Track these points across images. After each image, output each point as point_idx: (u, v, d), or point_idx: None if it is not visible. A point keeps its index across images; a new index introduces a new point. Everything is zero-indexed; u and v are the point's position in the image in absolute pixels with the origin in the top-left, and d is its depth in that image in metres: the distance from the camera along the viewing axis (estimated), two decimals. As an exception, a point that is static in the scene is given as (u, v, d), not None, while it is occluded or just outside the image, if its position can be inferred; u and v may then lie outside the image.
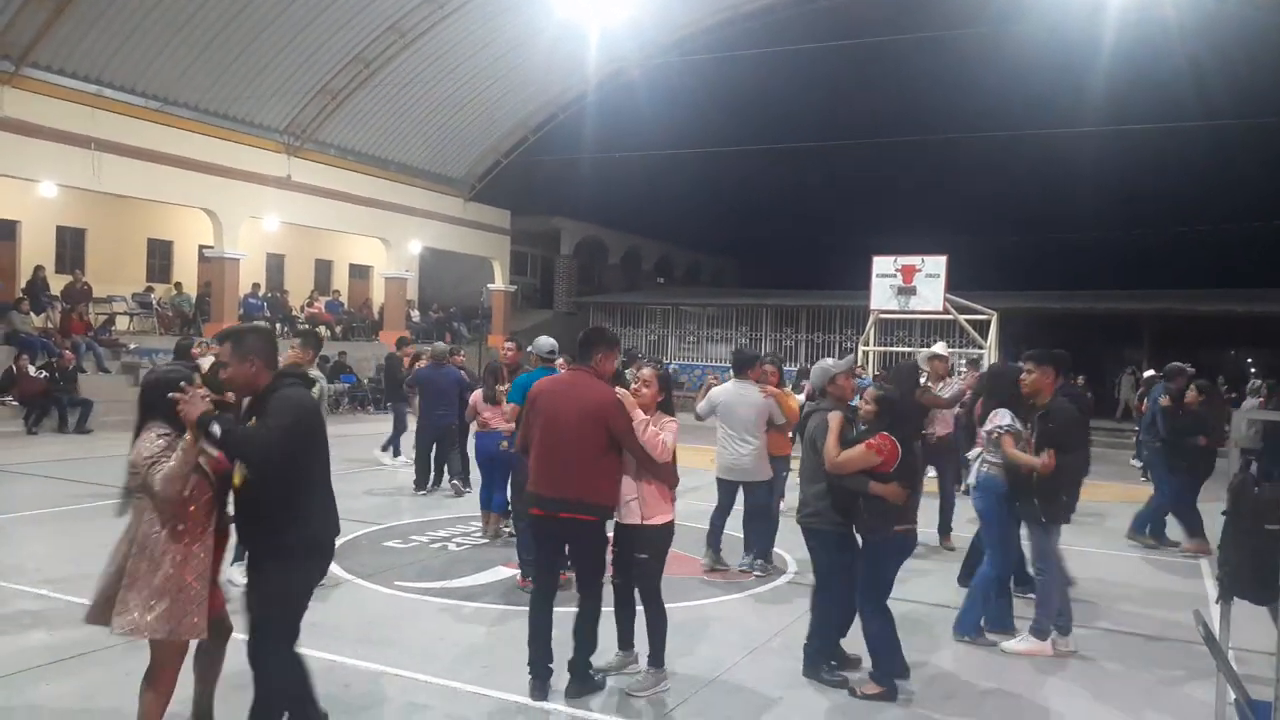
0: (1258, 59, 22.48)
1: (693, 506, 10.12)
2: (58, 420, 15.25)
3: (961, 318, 19.28)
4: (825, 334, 27.60)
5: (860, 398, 5.45)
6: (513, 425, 7.98)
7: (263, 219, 21.69)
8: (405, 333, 19.58)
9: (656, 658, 4.96)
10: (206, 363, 6.88)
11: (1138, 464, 13.97)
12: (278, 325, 22.04)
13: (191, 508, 3.60)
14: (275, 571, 3.62)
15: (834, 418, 5.19)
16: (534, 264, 35.39)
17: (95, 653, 5.22)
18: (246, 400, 3.79)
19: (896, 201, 37.50)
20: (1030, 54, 23.99)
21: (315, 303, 24.60)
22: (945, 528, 8.94)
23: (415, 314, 26.83)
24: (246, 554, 3.81)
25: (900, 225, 30.07)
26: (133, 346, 18.49)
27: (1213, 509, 9.77)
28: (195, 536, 3.62)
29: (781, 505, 8.30)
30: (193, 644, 3.81)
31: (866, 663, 5.17)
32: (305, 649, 3.96)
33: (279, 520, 3.56)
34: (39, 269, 18.41)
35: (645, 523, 4.85)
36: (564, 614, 5.03)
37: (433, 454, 10.91)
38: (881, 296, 19.26)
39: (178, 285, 21.73)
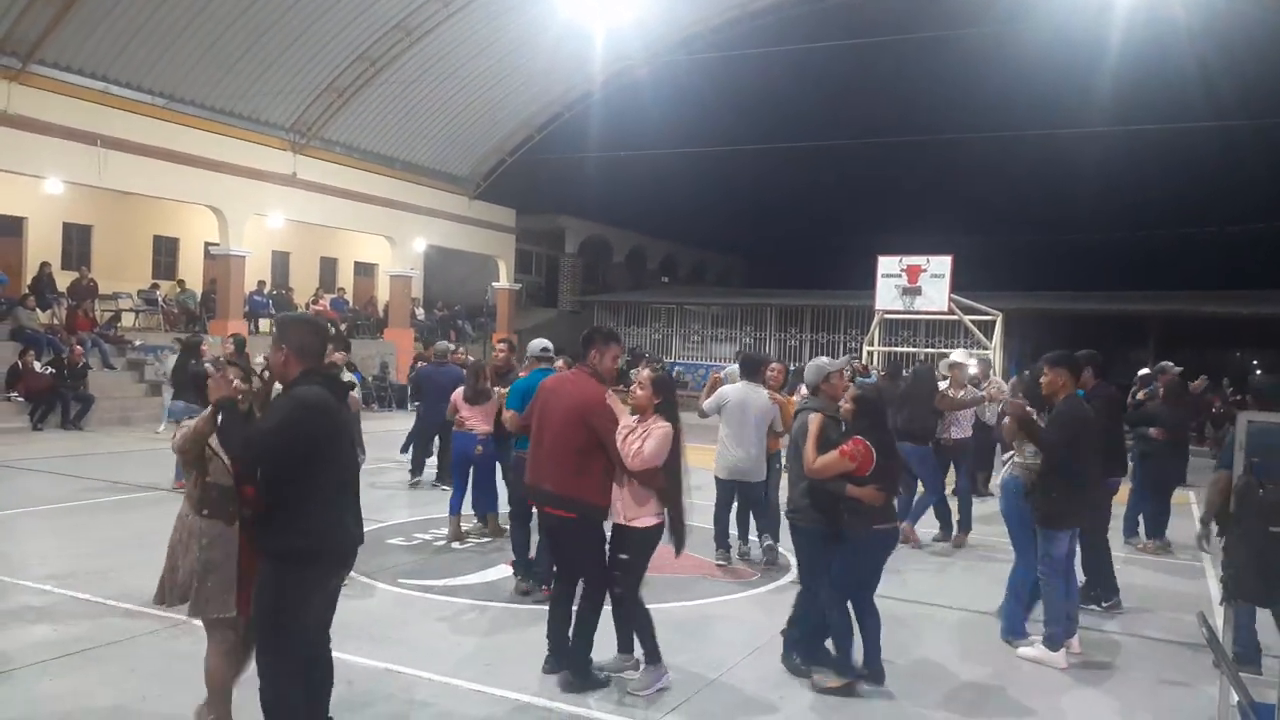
0: (1266, 59, 22.41)
1: (696, 507, 10.12)
2: (61, 416, 15.31)
3: (966, 318, 19.25)
4: (830, 334, 27.58)
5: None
6: (489, 428, 8.00)
7: (268, 216, 21.71)
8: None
9: (650, 655, 4.96)
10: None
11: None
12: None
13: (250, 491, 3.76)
14: (269, 574, 3.53)
15: (814, 420, 5.22)
16: (539, 262, 35.40)
17: (98, 648, 5.24)
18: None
19: (902, 201, 37.46)
20: (1037, 54, 23.93)
21: (320, 300, 24.63)
22: (965, 525, 9.06)
23: (420, 312, 26.85)
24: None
25: (905, 225, 30.05)
26: (138, 343, 18.53)
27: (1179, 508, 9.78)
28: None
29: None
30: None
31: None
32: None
33: (277, 522, 3.49)
34: (45, 265, 18.45)
35: (627, 524, 4.87)
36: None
37: (435, 448, 11.05)
38: (886, 296, 19.27)
39: (180, 283, 21.78)
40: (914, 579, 7.61)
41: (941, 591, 7.26)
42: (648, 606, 5.02)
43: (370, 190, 23.37)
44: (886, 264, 19.34)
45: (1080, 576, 6.43)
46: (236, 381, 3.70)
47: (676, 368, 21.28)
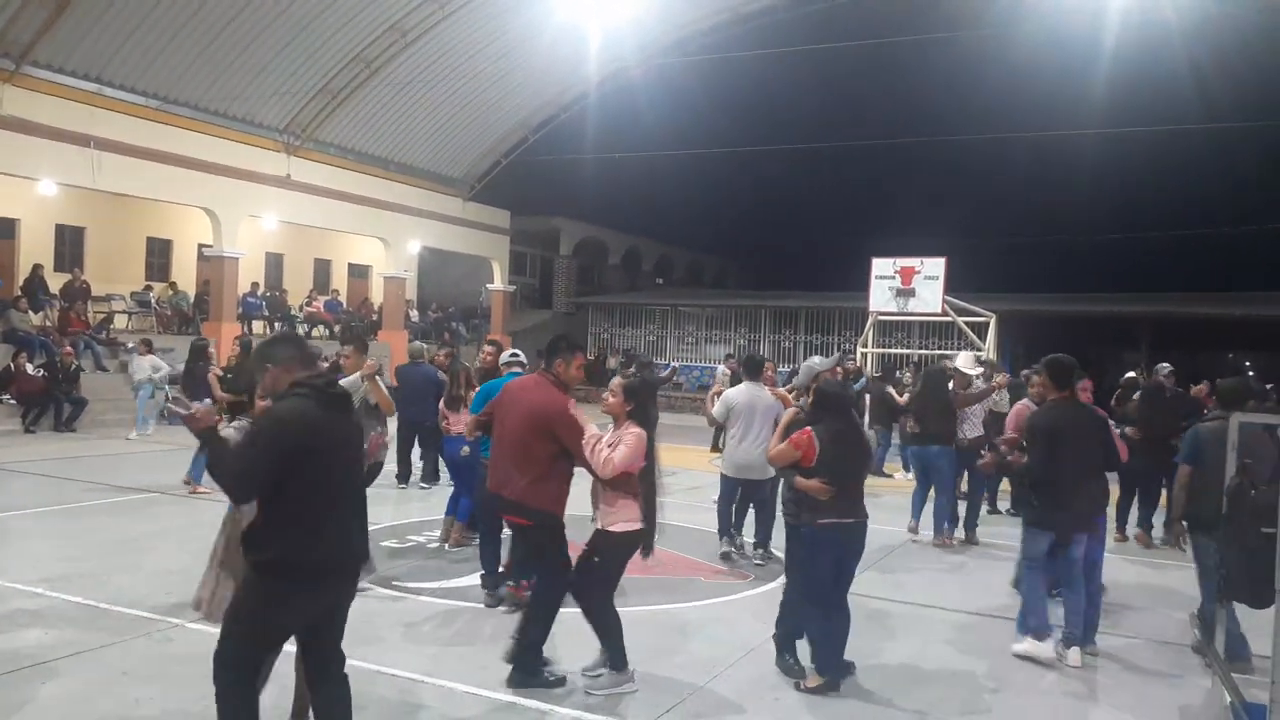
0: (1258, 62, 22.50)
1: (690, 508, 10.14)
2: (54, 418, 15.26)
3: (960, 320, 19.29)
4: (824, 335, 27.59)
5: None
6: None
7: (262, 218, 21.68)
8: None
9: (615, 661, 4.95)
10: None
11: None
12: (276, 324, 22.08)
13: None
14: (248, 586, 3.49)
15: (788, 413, 5.47)
16: (533, 264, 35.40)
17: (91, 651, 5.23)
18: None
19: (896, 203, 37.61)
20: (1030, 57, 24.03)
21: (314, 302, 24.61)
22: (971, 524, 9.22)
23: (414, 314, 26.84)
24: None
25: (900, 227, 30.13)
26: (130, 345, 18.48)
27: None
28: None
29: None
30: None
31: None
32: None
33: (259, 537, 3.42)
34: (38, 267, 18.40)
35: (605, 529, 4.88)
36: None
37: (414, 450, 11.15)
38: (880, 298, 19.30)
39: (173, 284, 21.72)
40: (911, 579, 7.62)
41: (938, 592, 7.26)
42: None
43: (365, 192, 23.35)
44: (880, 266, 19.37)
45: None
46: (207, 407, 3.64)
47: (670, 366, 21.12)
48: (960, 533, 9.13)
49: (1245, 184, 30.86)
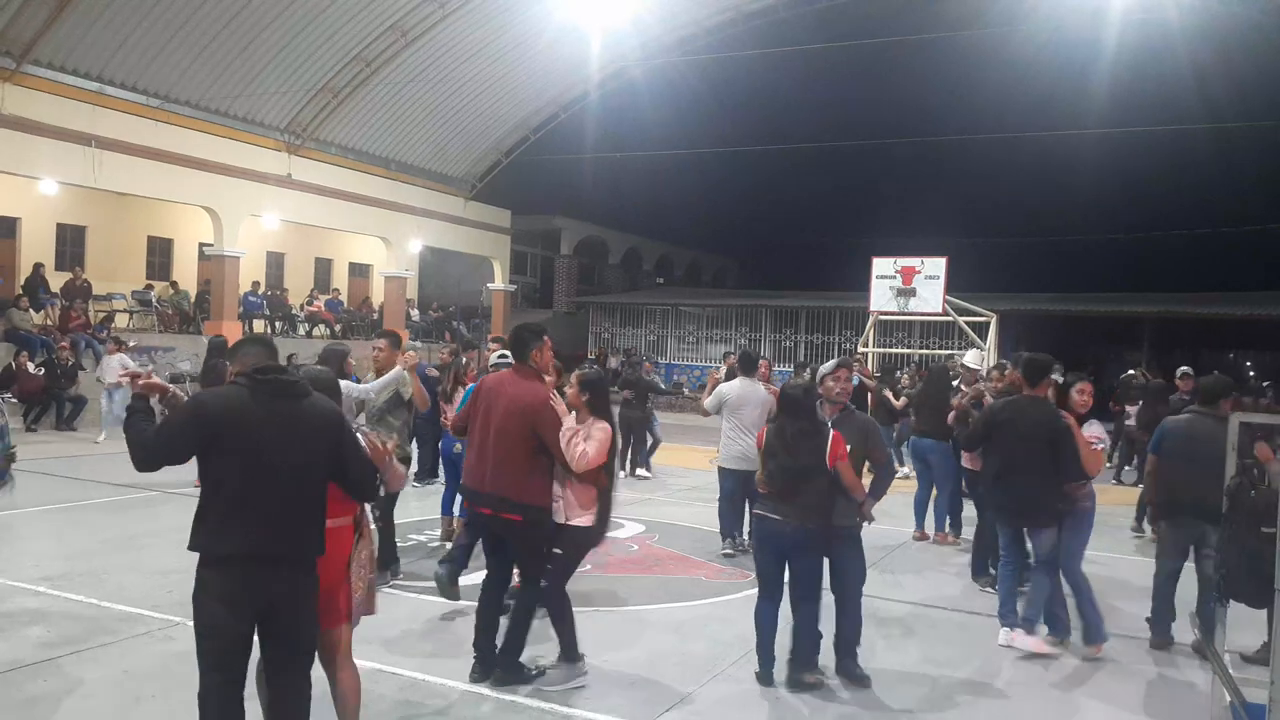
0: (1260, 62, 22.50)
1: (688, 508, 10.15)
2: (56, 417, 15.26)
3: (961, 319, 19.30)
4: (824, 335, 27.60)
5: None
6: None
7: (263, 217, 21.68)
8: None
9: (568, 653, 4.97)
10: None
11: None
12: (277, 324, 22.09)
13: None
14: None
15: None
16: (534, 263, 35.42)
17: (93, 649, 5.23)
18: None
19: (897, 203, 37.63)
20: (1031, 56, 24.01)
21: (315, 301, 24.62)
22: (955, 524, 9.23)
23: (415, 313, 26.85)
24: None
25: (900, 226, 30.19)
26: (132, 344, 18.46)
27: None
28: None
29: None
30: None
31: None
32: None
33: (193, 524, 3.40)
34: (39, 266, 18.40)
35: (567, 523, 4.90)
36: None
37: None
38: (881, 298, 19.31)
39: (174, 283, 21.74)
40: (911, 579, 7.63)
41: (938, 592, 7.27)
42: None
43: (365, 191, 23.36)
44: (881, 265, 19.38)
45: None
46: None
47: (662, 367, 21.11)
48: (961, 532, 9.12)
49: (1248, 183, 30.86)
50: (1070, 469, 5.77)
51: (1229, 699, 3.81)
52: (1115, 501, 11.64)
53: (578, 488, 4.86)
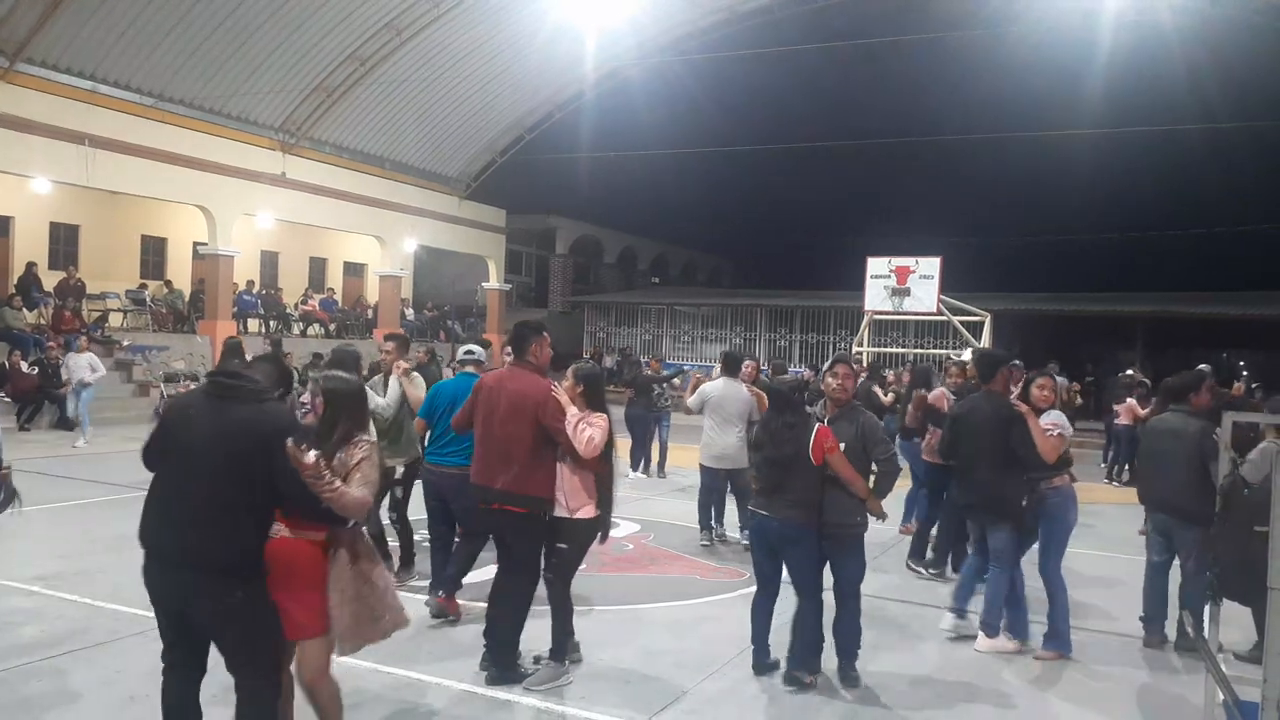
0: (1254, 62, 22.57)
1: (684, 506, 10.13)
2: (51, 416, 15.21)
3: (955, 319, 19.34)
4: (819, 334, 27.62)
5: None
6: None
7: (257, 216, 21.63)
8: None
9: (558, 651, 5.00)
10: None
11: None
12: (271, 323, 22.05)
13: None
14: None
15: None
16: (529, 263, 35.39)
17: (87, 649, 5.22)
18: None
19: (892, 202, 37.62)
20: (1026, 56, 24.05)
21: (310, 300, 24.57)
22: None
23: (409, 312, 26.81)
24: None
25: (895, 226, 30.22)
26: (126, 343, 18.44)
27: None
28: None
29: None
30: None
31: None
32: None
33: None
34: (32, 265, 18.34)
35: (571, 516, 4.92)
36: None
37: None
38: (876, 297, 19.37)
39: (168, 283, 21.68)
40: (909, 579, 7.64)
41: (935, 592, 7.28)
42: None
43: (360, 190, 23.31)
44: (876, 265, 19.44)
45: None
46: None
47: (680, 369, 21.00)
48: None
49: (1242, 183, 30.93)
50: (1027, 457, 5.66)
51: (1223, 697, 3.83)
52: (1103, 500, 11.68)
53: (581, 478, 4.89)
